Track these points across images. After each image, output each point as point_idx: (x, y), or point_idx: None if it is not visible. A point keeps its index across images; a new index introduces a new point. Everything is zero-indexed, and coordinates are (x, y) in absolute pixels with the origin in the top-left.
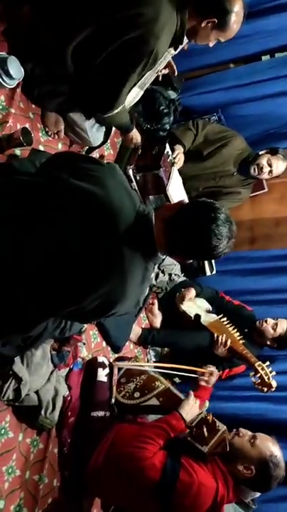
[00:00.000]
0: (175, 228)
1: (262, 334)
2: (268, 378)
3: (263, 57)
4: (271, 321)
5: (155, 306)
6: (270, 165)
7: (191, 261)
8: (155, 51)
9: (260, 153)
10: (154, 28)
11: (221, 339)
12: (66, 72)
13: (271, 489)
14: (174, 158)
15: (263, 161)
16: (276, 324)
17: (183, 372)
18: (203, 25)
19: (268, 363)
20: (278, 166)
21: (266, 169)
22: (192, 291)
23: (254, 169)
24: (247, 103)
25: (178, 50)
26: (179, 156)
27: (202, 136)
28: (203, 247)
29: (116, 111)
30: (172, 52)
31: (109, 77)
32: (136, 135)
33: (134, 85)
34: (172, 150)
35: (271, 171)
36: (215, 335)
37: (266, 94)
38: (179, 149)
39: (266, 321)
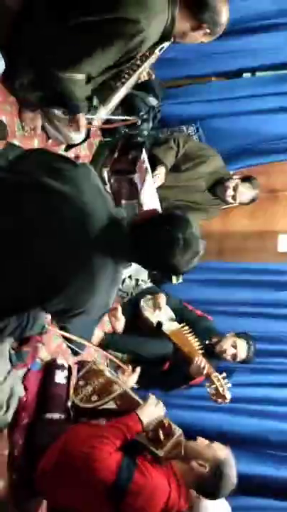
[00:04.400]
0: (140, 238)
1: (221, 356)
2: (223, 390)
3: (244, 75)
4: (229, 350)
5: (119, 311)
6: (235, 190)
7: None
8: (143, 34)
9: (233, 176)
10: (147, 13)
11: (198, 363)
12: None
13: (222, 494)
14: (155, 177)
15: (231, 185)
16: (235, 355)
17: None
18: (195, 32)
19: (224, 374)
20: (243, 193)
21: (230, 193)
22: (163, 297)
23: (220, 190)
24: (226, 117)
25: (163, 50)
26: (160, 177)
27: (182, 152)
28: (165, 262)
29: (77, 76)
30: (158, 53)
31: (88, 39)
32: (82, 121)
33: (120, 85)
34: (153, 169)
35: (234, 196)
36: (196, 359)
37: (245, 111)
38: (161, 170)
39: (224, 351)
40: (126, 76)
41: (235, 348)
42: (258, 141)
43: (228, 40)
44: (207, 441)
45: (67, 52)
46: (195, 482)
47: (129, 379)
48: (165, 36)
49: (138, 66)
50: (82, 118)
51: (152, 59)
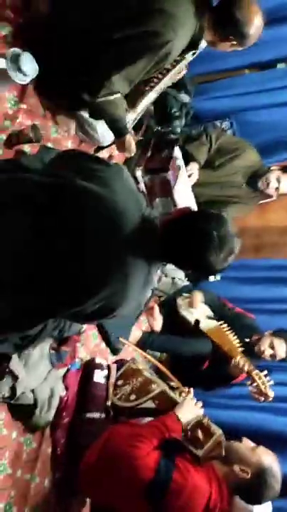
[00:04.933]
0: (172, 237)
1: (260, 355)
2: (265, 388)
3: (279, 65)
4: (267, 351)
5: (157, 310)
6: (278, 181)
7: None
8: (169, 47)
9: (271, 168)
10: (173, 24)
11: (238, 362)
12: (74, 60)
13: (263, 500)
14: (189, 176)
15: (272, 177)
16: (274, 355)
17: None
18: (223, 43)
19: (265, 372)
20: (286, 185)
21: (274, 185)
22: (199, 295)
23: (262, 183)
24: (260, 110)
25: (195, 55)
26: (194, 174)
27: (215, 147)
28: (199, 261)
29: (111, 97)
30: (189, 58)
31: (115, 57)
32: (130, 142)
33: (148, 90)
34: (186, 164)
35: (277, 188)
36: (235, 358)
37: (280, 102)
38: (194, 167)
39: (262, 352)
40: (155, 80)
41: (273, 348)
42: None
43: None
44: (252, 444)
45: (97, 72)
46: (236, 486)
47: (188, 397)
48: (194, 43)
49: (168, 71)
50: (130, 139)
51: (183, 63)
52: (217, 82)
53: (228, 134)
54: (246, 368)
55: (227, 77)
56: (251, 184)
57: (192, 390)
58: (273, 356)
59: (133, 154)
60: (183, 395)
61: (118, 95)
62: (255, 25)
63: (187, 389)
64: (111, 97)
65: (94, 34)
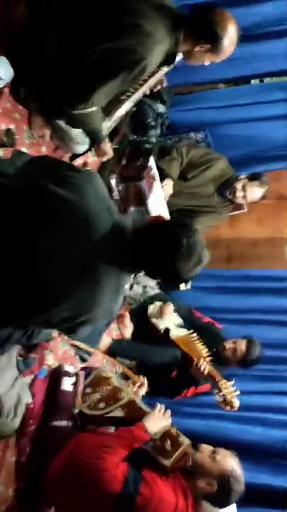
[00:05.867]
0: (143, 244)
1: (226, 357)
2: (232, 397)
3: (253, 81)
4: (229, 345)
5: (127, 317)
6: (244, 190)
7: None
8: (144, 63)
9: (239, 177)
10: (149, 42)
11: (199, 365)
12: (50, 71)
13: (230, 503)
14: (163, 189)
15: (239, 186)
16: (234, 349)
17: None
18: (197, 49)
19: (233, 381)
20: (253, 192)
21: (240, 193)
22: (170, 306)
23: (229, 192)
24: (234, 124)
25: (171, 67)
26: (167, 188)
27: (187, 161)
28: (167, 269)
29: (88, 110)
30: (165, 69)
31: (92, 73)
32: (106, 148)
33: (125, 99)
34: (160, 180)
35: (244, 196)
36: (194, 361)
37: (253, 118)
38: (168, 182)
39: (224, 348)
40: (132, 90)
41: (235, 344)
42: (267, 147)
43: (238, 47)
44: (210, 449)
45: (77, 87)
46: (202, 496)
47: (140, 390)
48: (170, 58)
49: (145, 81)
50: (107, 145)
51: (158, 76)
52: (192, 94)
53: (198, 147)
54: (207, 371)
55: (203, 90)
56: (221, 193)
57: (145, 381)
58: (233, 351)
59: (110, 156)
60: (137, 384)
61: (95, 108)
62: (230, 34)
63: (141, 379)
64: (89, 110)
65: (71, 47)
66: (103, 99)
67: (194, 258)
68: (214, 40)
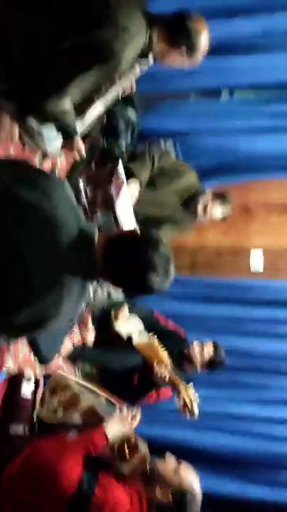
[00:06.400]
0: (113, 257)
1: (191, 360)
2: (191, 403)
3: (223, 94)
4: (197, 346)
5: (90, 323)
6: (205, 206)
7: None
8: (119, 57)
9: (206, 191)
10: (124, 36)
11: (160, 371)
12: (23, 65)
13: None
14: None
15: (202, 201)
16: (203, 349)
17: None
18: (171, 52)
19: (193, 388)
20: (213, 210)
21: (201, 209)
22: (125, 310)
23: (192, 206)
24: (203, 134)
25: (143, 68)
26: (133, 191)
27: (157, 167)
28: (139, 283)
29: (61, 107)
30: (137, 70)
31: (65, 67)
32: (79, 144)
33: (100, 101)
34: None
35: (205, 212)
36: (155, 366)
37: (222, 129)
38: (134, 185)
39: (193, 345)
40: (103, 89)
41: (202, 346)
42: (234, 159)
43: (209, 59)
44: (174, 463)
45: (47, 80)
46: (157, 506)
47: (133, 423)
48: (143, 55)
49: (117, 81)
50: (79, 141)
51: (131, 76)
52: (164, 102)
53: (171, 156)
54: (167, 377)
55: (174, 99)
56: (186, 206)
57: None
58: (201, 350)
59: (82, 153)
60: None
61: (68, 106)
62: (205, 43)
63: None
64: (62, 107)
65: (46, 39)
66: (78, 95)
67: (165, 274)
68: (192, 49)
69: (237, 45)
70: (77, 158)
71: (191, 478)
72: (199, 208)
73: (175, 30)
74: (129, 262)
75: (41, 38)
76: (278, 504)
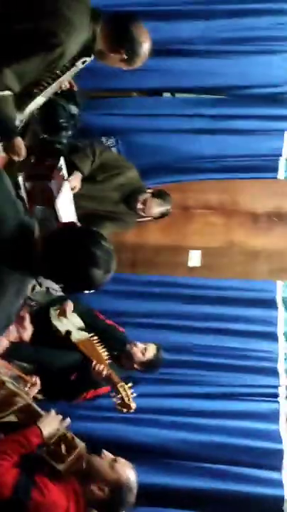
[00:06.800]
0: (54, 252)
1: (131, 358)
2: (129, 400)
3: (165, 94)
4: (140, 346)
5: (27, 320)
6: (144, 204)
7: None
8: (62, 48)
9: (147, 190)
10: (66, 27)
11: (98, 368)
12: None
13: None
14: (71, 183)
15: (141, 199)
16: (145, 349)
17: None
18: (112, 55)
19: (130, 384)
20: (152, 207)
21: (140, 206)
22: (70, 304)
23: (132, 203)
24: (145, 133)
25: (85, 64)
26: (74, 182)
27: (98, 162)
28: (80, 278)
29: (4, 93)
30: (80, 66)
31: (7, 51)
32: (20, 146)
33: (37, 92)
34: (69, 175)
35: (144, 210)
36: (93, 363)
37: (164, 129)
38: (77, 176)
39: (135, 345)
40: (45, 84)
41: (145, 347)
42: (175, 159)
43: (151, 59)
44: (111, 457)
45: None
46: (93, 502)
47: (32, 390)
48: (85, 51)
49: (58, 76)
50: (20, 142)
51: (73, 71)
52: (106, 99)
53: (112, 151)
54: (105, 373)
55: (116, 97)
56: (127, 202)
57: (38, 381)
58: (142, 352)
59: (22, 158)
60: (29, 385)
61: (8, 92)
62: (145, 47)
63: (34, 379)
64: (1, 93)
65: None
66: (17, 83)
67: (106, 268)
68: (131, 53)
69: (180, 48)
70: (17, 159)
71: (127, 472)
72: (138, 205)
73: (119, 39)
74: (70, 256)
75: None
76: (209, 493)
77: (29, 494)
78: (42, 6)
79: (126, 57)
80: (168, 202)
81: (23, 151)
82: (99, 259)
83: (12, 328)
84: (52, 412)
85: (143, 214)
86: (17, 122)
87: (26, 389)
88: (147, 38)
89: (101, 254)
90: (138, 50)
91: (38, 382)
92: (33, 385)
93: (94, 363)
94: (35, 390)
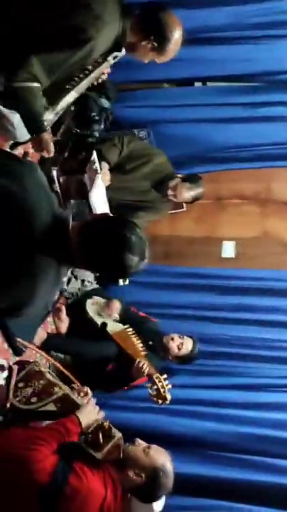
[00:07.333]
0: (88, 239)
1: (167, 350)
2: (164, 391)
3: (196, 83)
4: (177, 340)
5: (64, 311)
6: (174, 189)
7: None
8: (92, 44)
9: (177, 176)
10: (96, 22)
11: (140, 365)
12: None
13: (157, 499)
14: (101, 175)
15: (171, 184)
16: (182, 344)
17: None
18: (143, 44)
19: (165, 375)
20: (183, 193)
21: (171, 192)
22: (118, 304)
23: (163, 190)
24: (176, 124)
25: (117, 59)
26: (105, 174)
27: (126, 151)
28: (115, 264)
29: (29, 83)
30: (111, 61)
31: (38, 43)
32: (48, 141)
33: (69, 88)
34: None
35: (175, 195)
36: (137, 361)
37: (195, 119)
38: (105, 167)
39: (172, 339)
40: (77, 80)
41: (182, 340)
42: (208, 149)
43: (181, 49)
44: (145, 445)
45: (17, 51)
46: (130, 488)
47: (84, 399)
48: (116, 46)
49: (90, 71)
50: (48, 138)
51: (104, 66)
52: (137, 91)
53: (140, 140)
54: (147, 371)
55: (147, 88)
56: (158, 189)
57: (89, 391)
58: (179, 346)
59: (51, 155)
60: (81, 394)
61: (37, 84)
62: (177, 39)
63: (85, 389)
64: (30, 84)
65: (24, 23)
66: (45, 75)
67: (140, 254)
68: (161, 41)
69: (210, 36)
70: (46, 155)
71: (161, 457)
72: (169, 192)
73: (150, 27)
74: (105, 242)
75: (18, 25)
76: (244, 484)
77: (66, 479)
78: (72, 2)
79: (155, 44)
80: (200, 185)
81: (51, 147)
82: (134, 245)
83: (50, 319)
84: (91, 401)
85: (175, 200)
86: (51, 117)
87: (78, 397)
88: (177, 24)
89: (136, 240)
90: (168, 36)
91: (90, 392)
92: (85, 394)
93: (136, 361)
94: (86, 400)
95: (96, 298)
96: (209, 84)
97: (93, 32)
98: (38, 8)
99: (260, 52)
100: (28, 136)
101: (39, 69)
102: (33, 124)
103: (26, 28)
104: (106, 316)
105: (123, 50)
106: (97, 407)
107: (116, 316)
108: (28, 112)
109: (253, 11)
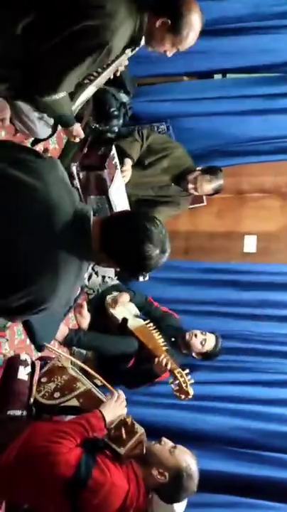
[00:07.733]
0: (109, 232)
1: (189, 347)
2: (186, 386)
3: (215, 76)
4: (200, 336)
5: (85, 308)
6: (195, 182)
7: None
8: (109, 45)
9: (197, 168)
10: (111, 23)
11: (162, 361)
12: (16, 53)
13: (180, 500)
14: (123, 172)
15: (191, 178)
16: (205, 340)
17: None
18: (158, 24)
19: (187, 370)
20: (203, 185)
21: (191, 186)
22: (126, 296)
23: (183, 184)
24: (196, 117)
25: (134, 51)
26: (128, 171)
27: (146, 145)
28: (136, 258)
29: (57, 96)
30: (129, 53)
31: (58, 60)
32: (78, 130)
33: (87, 83)
34: (121, 163)
35: (195, 188)
36: (160, 357)
37: (215, 112)
38: (128, 163)
39: (195, 335)
40: (95, 74)
41: (205, 336)
42: (228, 142)
43: (200, 41)
44: (170, 444)
45: (41, 75)
46: (154, 487)
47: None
48: (133, 41)
49: (108, 65)
50: (77, 127)
51: (122, 59)
52: (156, 85)
53: (158, 134)
54: (169, 367)
55: (166, 82)
56: (177, 183)
57: (122, 393)
58: (202, 342)
59: (82, 137)
60: (114, 399)
61: (64, 94)
62: (192, 19)
63: (118, 390)
64: (57, 97)
65: (38, 29)
66: (72, 85)
67: (161, 248)
68: (175, 18)
69: (229, 27)
70: (77, 141)
71: (187, 458)
72: (190, 185)
73: (163, 5)
74: (125, 232)
75: (33, 32)
76: (267, 481)
77: (90, 473)
78: (86, 5)
79: (171, 24)
80: (219, 177)
81: (81, 133)
82: (155, 236)
83: (71, 315)
84: (115, 396)
85: (195, 193)
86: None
87: (111, 404)
88: (194, 4)
89: (157, 231)
90: (183, 12)
91: (123, 395)
92: (119, 397)
93: (158, 357)
94: (116, 395)
95: (116, 294)
96: (228, 76)
97: (109, 34)
98: (53, 15)
99: (280, 42)
100: (47, 134)
101: (67, 85)
102: (62, 122)
103: (45, 39)
104: (127, 311)
105: (141, 43)
106: (124, 402)
107: (137, 311)
108: (57, 115)
109: (273, 0)
